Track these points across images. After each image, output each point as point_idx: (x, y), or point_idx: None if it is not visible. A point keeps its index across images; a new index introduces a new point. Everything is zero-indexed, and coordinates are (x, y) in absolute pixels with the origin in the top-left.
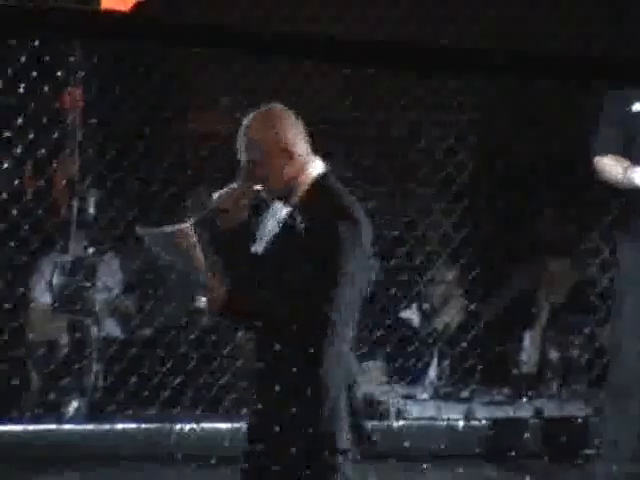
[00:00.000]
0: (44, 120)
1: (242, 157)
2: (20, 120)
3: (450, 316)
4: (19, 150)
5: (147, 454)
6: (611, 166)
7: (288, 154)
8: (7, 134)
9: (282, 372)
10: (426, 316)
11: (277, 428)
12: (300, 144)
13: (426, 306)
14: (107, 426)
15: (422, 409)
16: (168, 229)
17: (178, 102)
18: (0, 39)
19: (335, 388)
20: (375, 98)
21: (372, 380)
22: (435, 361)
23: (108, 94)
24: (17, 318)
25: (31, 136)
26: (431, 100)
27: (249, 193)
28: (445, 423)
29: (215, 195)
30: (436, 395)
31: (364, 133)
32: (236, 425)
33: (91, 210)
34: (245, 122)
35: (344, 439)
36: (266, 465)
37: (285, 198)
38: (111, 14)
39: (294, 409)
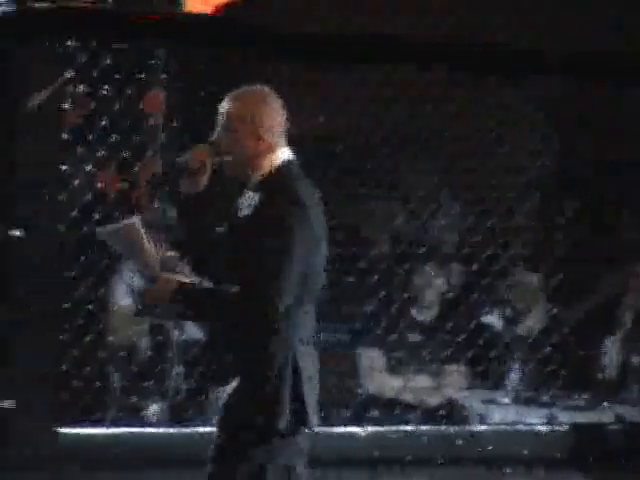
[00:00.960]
0: (127, 122)
1: (216, 127)
2: (104, 122)
3: (533, 321)
4: (102, 152)
5: None
6: None
7: (257, 136)
8: (90, 136)
9: (227, 353)
10: (509, 320)
11: (225, 402)
12: (273, 129)
13: (509, 311)
14: (188, 429)
15: (504, 413)
16: (118, 225)
17: None
18: (86, 42)
19: (277, 369)
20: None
21: (453, 384)
22: (517, 365)
23: (191, 96)
24: (99, 322)
25: (114, 138)
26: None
27: (211, 155)
28: (527, 428)
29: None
30: (518, 399)
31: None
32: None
33: (173, 212)
34: (228, 96)
35: (282, 421)
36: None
37: (245, 178)
38: (203, 16)
39: (238, 386)
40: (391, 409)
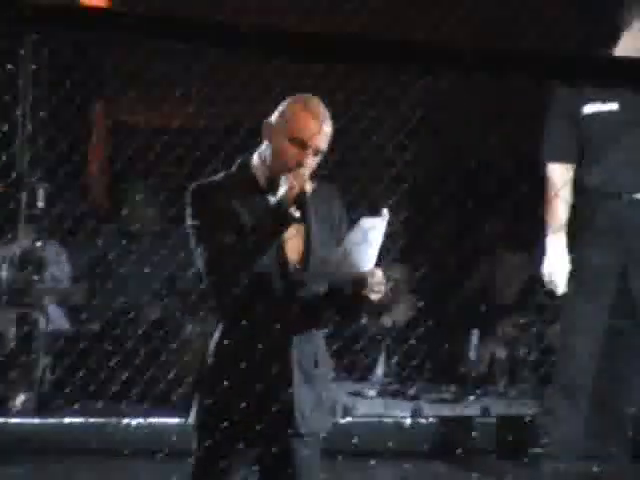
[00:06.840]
0: None
1: (307, 142)
2: None
3: (398, 313)
4: None
5: (95, 448)
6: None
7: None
8: None
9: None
10: (374, 313)
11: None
12: None
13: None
14: (54, 420)
15: (369, 406)
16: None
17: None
18: None
19: None
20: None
21: None
22: (382, 358)
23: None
24: None
25: None
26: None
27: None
28: (392, 420)
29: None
30: (383, 392)
31: None
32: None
33: (40, 203)
34: (315, 108)
35: None
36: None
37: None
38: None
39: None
40: None
